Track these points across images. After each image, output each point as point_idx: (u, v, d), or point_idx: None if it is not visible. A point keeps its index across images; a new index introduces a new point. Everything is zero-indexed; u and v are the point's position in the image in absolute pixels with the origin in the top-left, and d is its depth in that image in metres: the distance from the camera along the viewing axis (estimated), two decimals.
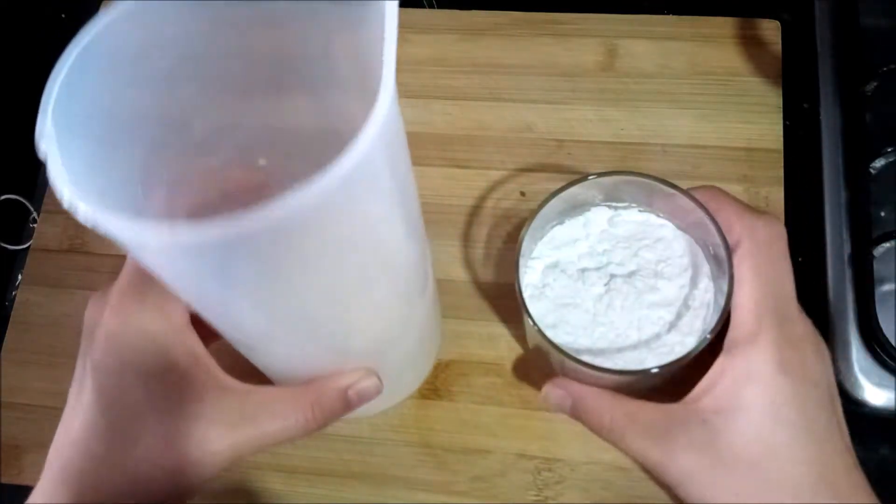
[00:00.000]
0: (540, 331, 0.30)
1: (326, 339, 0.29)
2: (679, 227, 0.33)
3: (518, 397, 0.38)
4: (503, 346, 0.39)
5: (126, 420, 0.28)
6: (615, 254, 0.33)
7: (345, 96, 0.30)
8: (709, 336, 0.29)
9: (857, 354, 0.38)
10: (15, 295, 0.44)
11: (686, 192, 0.31)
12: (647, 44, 0.45)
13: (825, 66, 0.44)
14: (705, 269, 0.32)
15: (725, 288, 0.29)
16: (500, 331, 0.40)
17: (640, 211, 0.34)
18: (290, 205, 0.18)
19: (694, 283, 0.32)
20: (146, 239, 0.19)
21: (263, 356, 0.30)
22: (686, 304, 0.32)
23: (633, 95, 0.44)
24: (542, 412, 0.38)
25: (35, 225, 0.46)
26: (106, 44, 0.24)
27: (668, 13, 0.46)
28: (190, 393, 0.28)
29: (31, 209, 0.47)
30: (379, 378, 0.31)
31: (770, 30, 0.45)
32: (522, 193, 0.42)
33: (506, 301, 0.40)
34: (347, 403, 0.30)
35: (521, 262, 0.32)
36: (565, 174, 0.42)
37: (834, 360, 0.36)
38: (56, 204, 0.45)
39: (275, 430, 0.29)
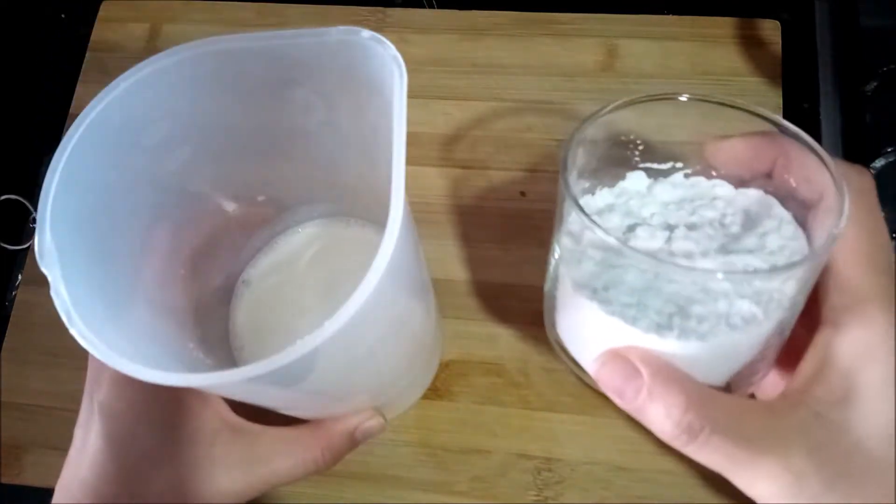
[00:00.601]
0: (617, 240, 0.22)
1: (343, 394, 0.30)
2: (739, 184, 0.27)
3: (518, 397, 0.38)
4: (503, 346, 0.39)
5: (136, 464, 0.28)
6: (666, 216, 0.27)
7: (341, 145, 0.31)
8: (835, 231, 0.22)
9: None
10: (15, 295, 0.44)
11: (778, 122, 0.25)
12: (647, 44, 0.45)
13: (825, 66, 0.44)
14: (786, 216, 0.26)
15: (824, 231, 0.23)
16: (500, 331, 0.40)
17: (686, 175, 0.28)
18: (318, 338, 0.21)
19: (776, 230, 0.26)
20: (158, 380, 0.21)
21: (280, 409, 0.31)
22: (770, 254, 0.25)
23: (633, 95, 0.44)
24: (542, 412, 0.38)
25: (35, 225, 0.46)
26: (101, 122, 0.27)
27: (668, 13, 0.46)
28: (201, 435, 0.29)
29: (31, 209, 0.47)
30: (384, 416, 0.32)
31: (770, 30, 0.45)
32: (522, 193, 0.42)
33: (506, 301, 0.40)
34: (354, 443, 0.31)
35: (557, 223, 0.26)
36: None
37: None
38: None
39: (286, 469, 0.30)
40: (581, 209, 0.24)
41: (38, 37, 0.51)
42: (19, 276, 0.44)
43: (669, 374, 0.22)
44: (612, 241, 0.22)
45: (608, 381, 0.24)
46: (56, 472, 0.40)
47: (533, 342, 0.39)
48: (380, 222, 0.37)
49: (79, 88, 0.47)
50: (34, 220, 0.46)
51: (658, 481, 0.36)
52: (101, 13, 0.49)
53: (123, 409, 0.28)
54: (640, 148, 0.28)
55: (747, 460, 0.21)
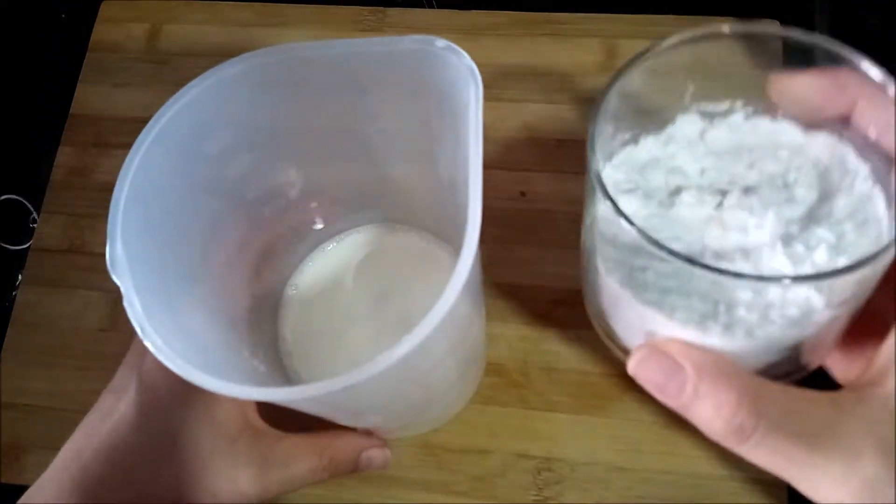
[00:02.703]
0: (645, 235, 0.19)
1: (390, 407, 0.31)
2: (809, 128, 0.23)
3: (518, 397, 0.38)
4: (503, 346, 0.39)
5: (160, 442, 0.28)
6: (719, 171, 0.23)
7: (399, 152, 0.31)
8: None
9: None
10: (15, 295, 0.44)
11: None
12: (646, 44, 0.45)
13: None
14: (863, 171, 0.22)
15: None
16: (500, 331, 0.40)
17: (746, 117, 0.24)
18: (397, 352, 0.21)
19: (848, 189, 0.22)
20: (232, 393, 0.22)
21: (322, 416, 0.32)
22: (837, 223, 0.21)
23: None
24: (542, 412, 0.38)
25: (35, 225, 0.46)
26: (168, 131, 0.27)
27: (668, 13, 0.46)
28: (226, 430, 0.29)
29: (31, 209, 0.47)
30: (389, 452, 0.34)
31: None
32: (522, 193, 0.42)
33: (506, 301, 0.40)
34: (357, 467, 0.33)
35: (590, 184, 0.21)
36: (565, 174, 0.42)
37: None
38: (56, 204, 0.45)
39: (302, 474, 0.30)
40: (603, 187, 0.20)
41: (38, 37, 0.51)
42: (19, 276, 0.44)
43: (717, 367, 0.20)
44: (634, 234, 0.19)
45: (647, 378, 0.21)
46: None
47: (533, 342, 0.39)
48: (427, 228, 0.38)
49: (79, 88, 0.47)
50: (34, 220, 0.46)
51: (658, 481, 0.36)
52: (101, 13, 0.49)
53: (162, 385, 0.28)
54: (692, 88, 0.24)
55: (808, 461, 0.19)
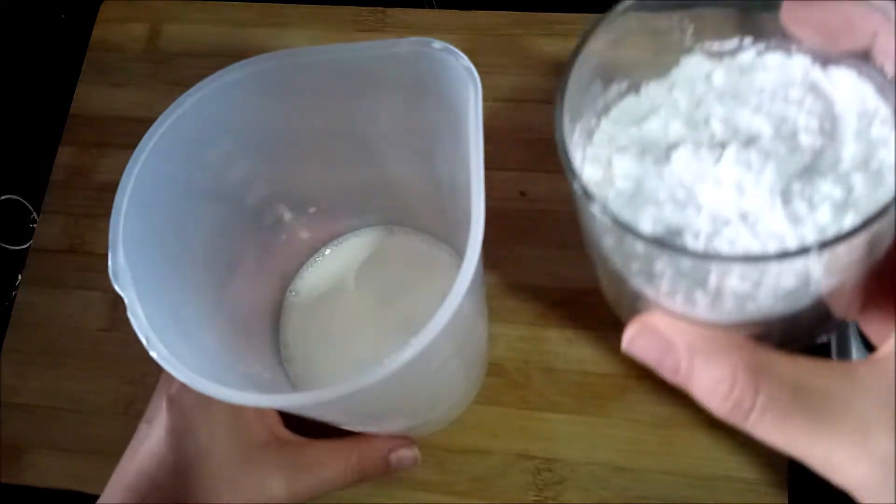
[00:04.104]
0: (615, 219, 0.18)
1: (397, 410, 0.32)
2: (826, 64, 0.21)
3: (518, 397, 0.38)
4: (503, 346, 0.39)
5: (193, 459, 0.29)
6: (724, 117, 0.21)
7: (399, 155, 0.31)
8: None
9: (857, 354, 0.38)
10: (15, 295, 0.44)
11: None
12: None
13: None
14: (883, 112, 0.20)
15: None
16: (501, 331, 0.40)
17: (758, 54, 0.22)
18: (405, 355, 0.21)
19: (861, 136, 0.20)
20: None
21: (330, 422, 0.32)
22: (845, 174, 0.19)
23: None
24: (542, 412, 0.38)
25: (35, 225, 0.46)
26: (168, 138, 0.27)
27: None
28: (255, 438, 0.30)
29: (31, 209, 0.47)
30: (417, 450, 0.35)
31: None
32: (523, 193, 0.42)
33: (506, 301, 0.40)
34: (388, 468, 0.33)
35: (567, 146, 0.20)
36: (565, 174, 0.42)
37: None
38: (56, 204, 0.45)
39: (329, 479, 0.31)
40: (567, 156, 0.19)
41: (38, 37, 0.51)
42: (19, 276, 0.44)
43: (711, 342, 0.19)
44: (607, 221, 0.18)
45: (642, 356, 0.20)
46: (56, 472, 0.40)
47: (533, 342, 0.39)
48: (426, 230, 0.38)
49: (79, 88, 0.47)
50: (34, 220, 0.46)
51: (658, 481, 0.36)
52: (101, 13, 0.49)
53: (190, 406, 0.30)
54: (691, 28, 0.21)
55: (815, 438, 0.17)
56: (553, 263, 0.40)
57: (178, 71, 0.47)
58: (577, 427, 0.38)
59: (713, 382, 0.18)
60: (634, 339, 0.20)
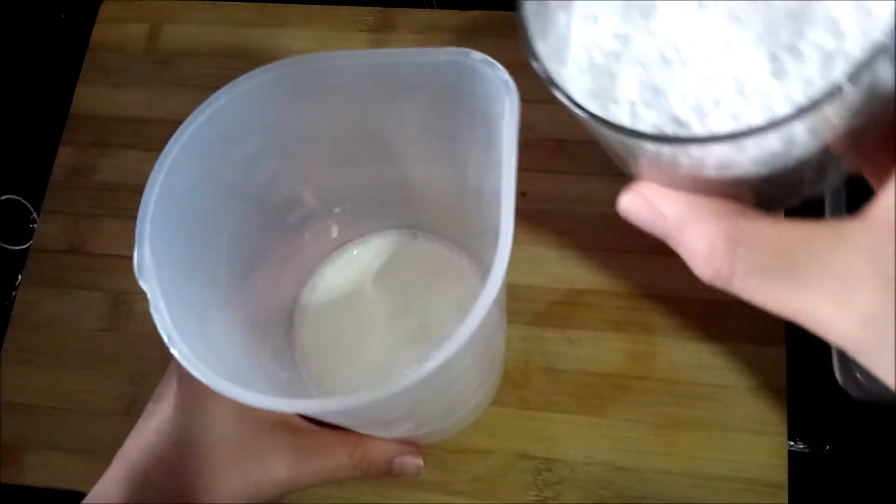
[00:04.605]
0: (574, 101, 0.18)
1: (412, 415, 0.31)
2: None
3: (518, 397, 0.38)
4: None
5: (199, 436, 0.29)
6: None
7: (427, 161, 0.31)
8: None
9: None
10: (15, 295, 0.44)
11: None
12: None
13: None
14: None
15: None
16: None
17: None
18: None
19: None
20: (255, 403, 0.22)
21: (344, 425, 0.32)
22: (843, 12, 0.17)
23: None
24: (542, 412, 0.38)
25: (35, 225, 0.46)
26: (198, 137, 0.27)
27: None
28: (263, 421, 0.30)
29: (31, 209, 0.47)
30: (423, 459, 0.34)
31: None
32: (523, 193, 0.42)
33: (506, 301, 0.40)
34: (390, 471, 0.33)
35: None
36: (565, 174, 0.42)
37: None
38: (56, 204, 0.45)
39: (330, 469, 0.31)
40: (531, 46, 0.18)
41: (38, 37, 0.51)
42: (19, 276, 0.44)
43: (696, 209, 0.19)
44: (580, 110, 0.18)
45: (636, 220, 0.21)
46: (56, 472, 0.40)
47: (533, 342, 0.39)
48: (448, 237, 0.38)
49: (79, 88, 0.47)
50: (34, 220, 0.46)
51: (658, 481, 0.36)
52: (101, 13, 0.49)
53: (199, 382, 0.30)
54: None
55: (799, 298, 0.17)
56: (553, 263, 0.40)
57: (178, 71, 0.47)
58: (577, 427, 0.38)
59: (695, 252, 0.19)
60: (628, 207, 0.21)
